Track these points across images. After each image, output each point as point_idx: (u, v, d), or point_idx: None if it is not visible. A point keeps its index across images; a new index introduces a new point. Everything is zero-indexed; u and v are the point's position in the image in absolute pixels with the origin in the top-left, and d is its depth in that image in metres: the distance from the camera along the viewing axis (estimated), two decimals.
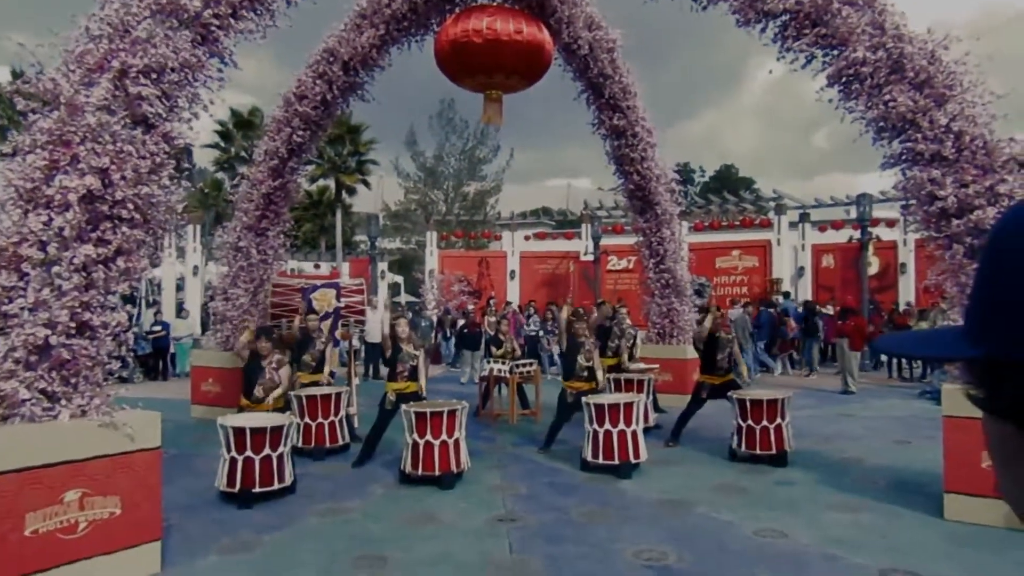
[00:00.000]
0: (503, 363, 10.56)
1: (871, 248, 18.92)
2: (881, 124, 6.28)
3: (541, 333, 15.99)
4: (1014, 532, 5.41)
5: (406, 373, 7.63)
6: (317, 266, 26.56)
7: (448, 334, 18.84)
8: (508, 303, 18.87)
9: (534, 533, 5.60)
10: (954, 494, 5.79)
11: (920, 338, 0.66)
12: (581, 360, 8.15)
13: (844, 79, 6.49)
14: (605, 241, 22.45)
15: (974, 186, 5.78)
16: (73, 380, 4.61)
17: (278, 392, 7.52)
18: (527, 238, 25.36)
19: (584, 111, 10.91)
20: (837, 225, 21.79)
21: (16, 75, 21.18)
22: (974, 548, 5.16)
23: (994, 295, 0.56)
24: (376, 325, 14.59)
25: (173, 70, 5.15)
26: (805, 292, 20.59)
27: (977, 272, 0.59)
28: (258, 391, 7.32)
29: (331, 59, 9.52)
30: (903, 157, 6.20)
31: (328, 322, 9.48)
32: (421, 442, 6.87)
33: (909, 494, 6.50)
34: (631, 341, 10.57)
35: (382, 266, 24.90)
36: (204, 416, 10.42)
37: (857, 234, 18.92)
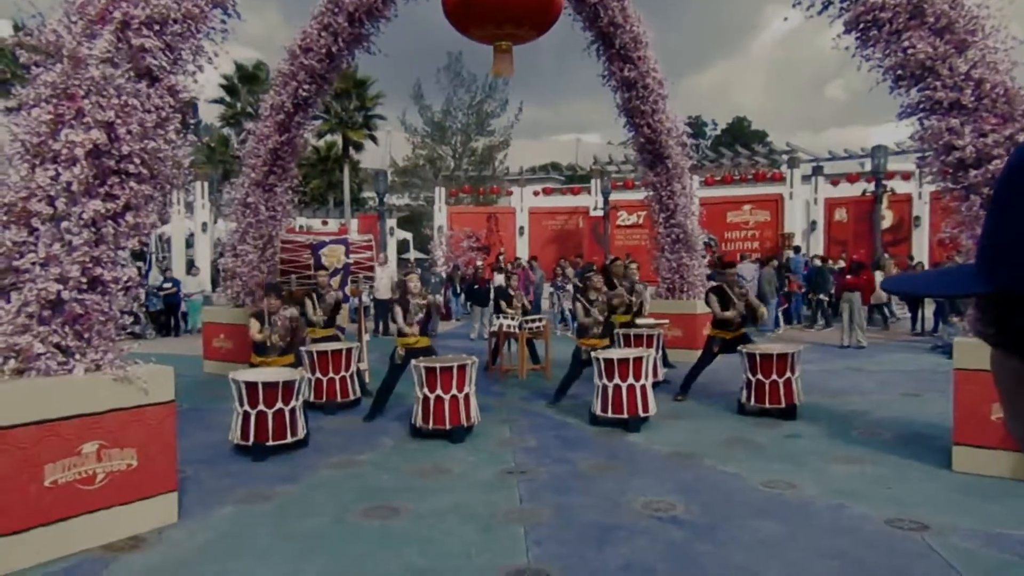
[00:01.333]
0: (512, 319, 10.61)
1: (885, 201, 18.72)
2: (899, 72, 6.13)
3: (551, 290, 15.98)
4: (1022, 483, 5.43)
5: (415, 327, 7.67)
6: (325, 222, 26.57)
7: (458, 290, 18.86)
8: (517, 259, 18.83)
9: (543, 485, 5.66)
10: (963, 446, 5.80)
11: (930, 277, 0.66)
12: (595, 314, 8.14)
13: (862, 25, 6.32)
14: (615, 196, 22.35)
15: (993, 135, 5.66)
16: (86, 335, 4.65)
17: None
18: (536, 194, 25.21)
19: (594, 63, 10.75)
20: (851, 179, 21.54)
21: (18, 28, 21.01)
22: (981, 498, 5.18)
23: (1005, 230, 0.56)
24: (386, 281, 14.75)
25: (176, 21, 5.07)
26: (817, 247, 20.47)
27: (989, 209, 0.59)
28: (272, 337, 7.33)
29: (336, 10, 9.37)
30: (921, 106, 6.06)
31: (338, 278, 9.51)
32: (432, 397, 6.93)
33: (917, 446, 6.51)
34: (640, 297, 10.55)
35: (391, 222, 24.86)
36: (216, 372, 10.54)
37: (871, 187, 18.70)
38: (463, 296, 18.65)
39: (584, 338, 8.24)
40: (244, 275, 10.82)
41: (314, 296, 9.15)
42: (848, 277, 13.63)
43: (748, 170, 23.84)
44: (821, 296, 15.87)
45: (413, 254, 28.68)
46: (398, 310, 7.64)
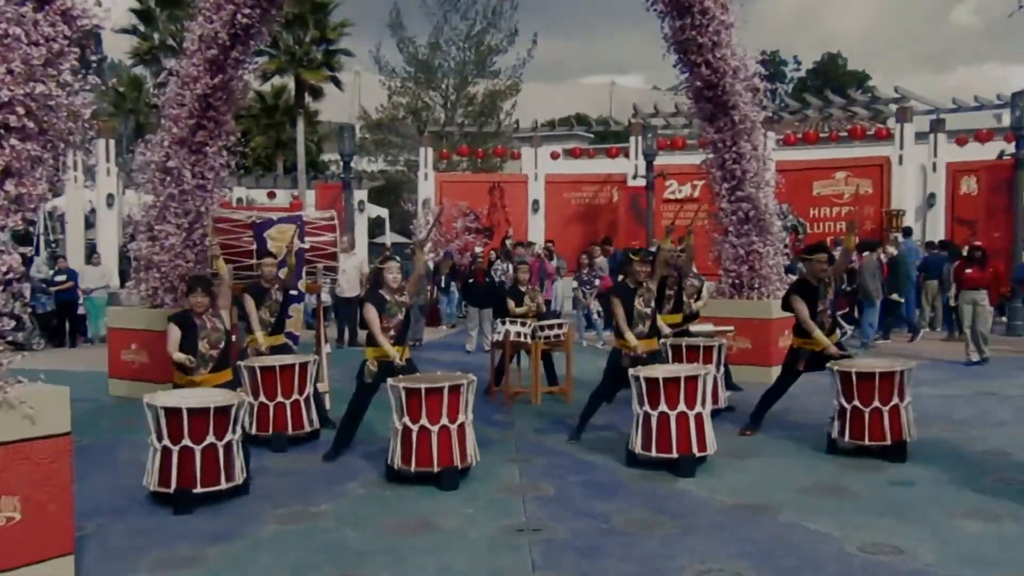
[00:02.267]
0: (523, 324, 10.52)
1: None
2: None
3: (575, 285, 16.04)
4: None
5: (393, 334, 7.65)
6: (272, 195, 26.52)
7: (449, 285, 18.90)
8: (529, 244, 18.79)
9: (564, 547, 5.65)
10: None
11: None
12: (639, 304, 8.07)
13: None
14: (661, 160, 22.23)
15: None
16: None
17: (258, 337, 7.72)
18: (555, 156, 25.14)
19: None
20: (984, 136, 21.36)
21: None
22: None
23: None
24: (353, 274, 14.79)
25: None
26: (936, 229, 20.35)
27: None
28: (204, 347, 7.31)
29: None
30: None
31: (288, 269, 9.39)
32: (414, 428, 6.89)
33: None
34: (696, 294, 10.51)
35: (360, 195, 24.90)
36: (127, 394, 10.54)
37: (1011, 148, 18.56)
38: (457, 294, 18.72)
39: (621, 340, 8.10)
40: (164, 265, 10.84)
41: (257, 293, 9.09)
42: (969, 271, 13.56)
43: (843, 125, 23.73)
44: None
45: (390, 237, 28.74)
46: (370, 311, 7.59)
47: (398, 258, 8.49)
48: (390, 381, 7.08)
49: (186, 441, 6.43)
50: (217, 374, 7.42)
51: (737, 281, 11.94)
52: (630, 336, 7.93)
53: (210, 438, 6.49)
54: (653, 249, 9.59)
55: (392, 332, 7.64)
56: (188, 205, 10.82)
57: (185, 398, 6.70)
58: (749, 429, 8.72)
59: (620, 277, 8.48)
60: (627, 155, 24.18)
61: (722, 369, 9.77)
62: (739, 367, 11.04)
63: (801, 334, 8.45)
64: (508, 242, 19.42)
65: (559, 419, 9.46)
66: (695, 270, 10.78)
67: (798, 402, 9.39)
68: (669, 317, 9.87)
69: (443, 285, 18.98)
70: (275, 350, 9.00)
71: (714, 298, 11.83)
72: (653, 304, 8.16)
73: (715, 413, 8.40)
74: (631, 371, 7.54)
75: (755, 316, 11.58)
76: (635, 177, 23.11)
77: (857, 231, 8.73)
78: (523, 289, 11.19)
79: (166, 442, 6.45)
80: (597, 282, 15.57)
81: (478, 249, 16.91)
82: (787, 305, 8.60)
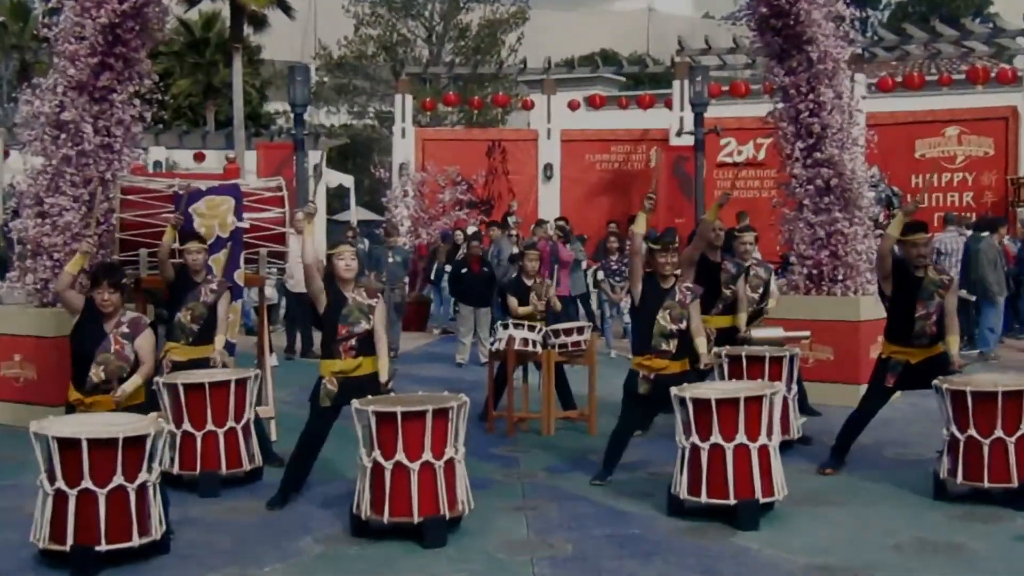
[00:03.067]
0: (531, 328, 10.48)
1: None
2: None
3: (601, 275, 16.01)
4: None
5: (354, 343, 7.64)
6: (201, 156, 26.55)
7: (437, 275, 18.84)
8: (540, 223, 18.74)
9: None
10: None
11: None
12: (664, 319, 8.11)
13: None
14: (715, 111, 22.12)
15: None
16: None
17: (137, 380, 7.51)
18: (574, 106, 25.04)
19: None
20: None
21: None
22: None
23: None
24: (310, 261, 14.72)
25: None
26: None
27: None
28: (96, 373, 7.29)
29: None
30: None
31: (222, 255, 9.39)
32: (388, 466, 6.85)
33: None
34: (760, 288, 10.47)
35: (316, 156, 24.77)
36: (10, 420, 10.50)
37: None
38: (445, 287, 18.44)
39: (645, 354, 8.22)
40: (57, 250, 10.79)
41: (179, 288, 9.10)
42: None
43: (955, 65, 23.63)
44: None
45: (356, 213, 28.71)
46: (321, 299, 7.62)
47: (365, 241, 8.48)
48: (355, 403, 7.05)
49: (87, 483, 6.33)
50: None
51: (815, 271, 11.89)
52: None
53: (118, 479, 6.40)
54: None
55: (352, 342, 7.66)
56: (89, 171, 10.78)
57: (84, 425, 6.59)
58: (830, 467, 8.70)
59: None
60: (669, 105, 24.09)
61: (795, 388, 9.69)
62: (817, 385, 10.97)
63: (893, 337, 8.50)
64: (511, 219, 19.29)
65: (579, 454, 9.41)
66: (759, 256, 10.75)
67: (895, 431, 9.45)
68: (716, 319, 9.94)
69: (435, 277, 18.94)
70: (201, 364, 8.93)
71: (785, 293, 11.75)
72: (684, 322, 8.19)
73: (785, 446, 8.40)
74: (675, 391, 7.50)
75: (839, 317, 11.51)
76: (680, 134, 23.10)
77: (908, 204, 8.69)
78: (529, 283, 11.15)
79: (60, 484, 6.37)
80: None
81: (472, 228, 16.76)
82: (881, 291, 8.66)
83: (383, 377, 7.68)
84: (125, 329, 7.45)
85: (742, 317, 10.17)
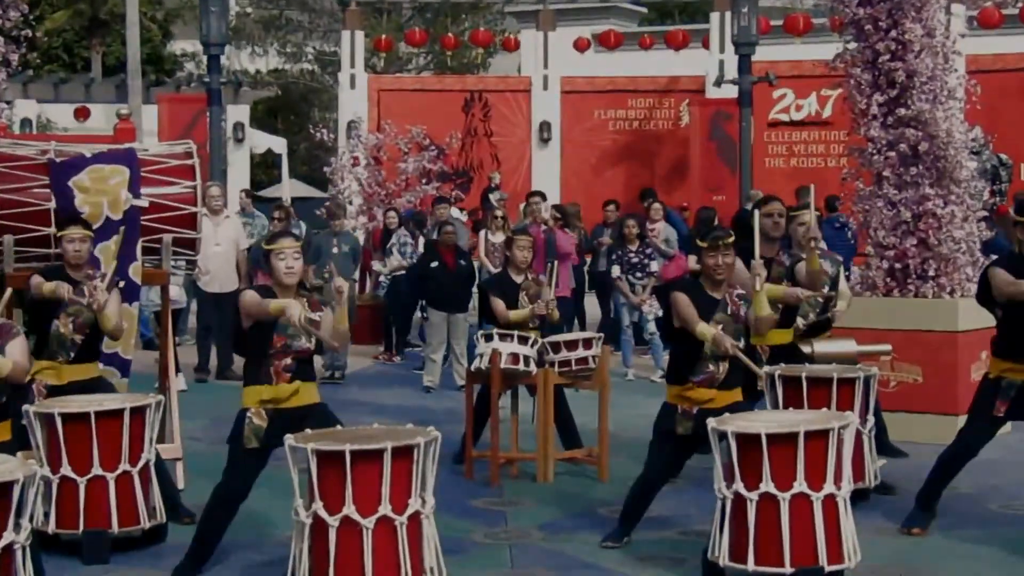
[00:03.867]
0: (522, 340, 9.57)
1: None
2: None
3: (617, 271, 15.11)
4: None
5: (290, 363, 6.93)
6: (84, 112, 26.49)
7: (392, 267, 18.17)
8: (533, 199, 17.34)
9: None
10: None
11: None
12: (707, 332, 7.28)
13: None
14: (764, 54, 21.43)
15: None
16: None
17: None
18: (581, 46, 24.89)
19: None
20: None
21: None
22: None
23: None
24: (229, 251, 14.41)
25: None
26: None
27: None
28: None
29: None
30: None
31: (113, 243, 8.91)
32: (333, 523, 6.11)
33: None
34: (825, 285, 9.46)
35: (236, 112, 24.12)
36: None
37: None
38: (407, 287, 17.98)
39: (685, 384, 7.46)
40: None
41: (58, 287, 8.19)
42: None
43: None
44: None
45: (290, 188, 28.38)
46: (252, 305, 6.81)
47: (302, 224, 7.65)
48: (290, 439, 6.27)
49: None
50: None
51: (898, 265, 10.90)
52: (704, 327, 7.34)
53: None
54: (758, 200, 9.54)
55: (289, 361, 6.97)
56: None
57: None
58: (917, 525, 7.90)
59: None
60: (706, 44, 23.53)
61: (871, 420, 8.87)
62: (902, 416, 10.20)
63: (1005, 352, 7.63)
64: (494, 196, 18.76)
65: (585, 507, 8.73)
66: (824, 247, 10.17)
67: (1004, 475, 8.90)
68: (769, 333, 9.10)
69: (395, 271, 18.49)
70: (84, 387, 8.20)
71: (858, 295, 10.92)
72: (741, 340, 7.57)
73: (859, 496, 7.77)
74: (712, 424, 6.77)
75: (930, 327, 10.70)
76: (719, 83, 22.36)
77: None
78: (519, 279, 10.25)
79: None
80: (654, 266, 14.47)
81: (446, 208, 16.13)
82: (984, 293, 7.76)
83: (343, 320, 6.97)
84: None
85: (842, 306, 9.56)
